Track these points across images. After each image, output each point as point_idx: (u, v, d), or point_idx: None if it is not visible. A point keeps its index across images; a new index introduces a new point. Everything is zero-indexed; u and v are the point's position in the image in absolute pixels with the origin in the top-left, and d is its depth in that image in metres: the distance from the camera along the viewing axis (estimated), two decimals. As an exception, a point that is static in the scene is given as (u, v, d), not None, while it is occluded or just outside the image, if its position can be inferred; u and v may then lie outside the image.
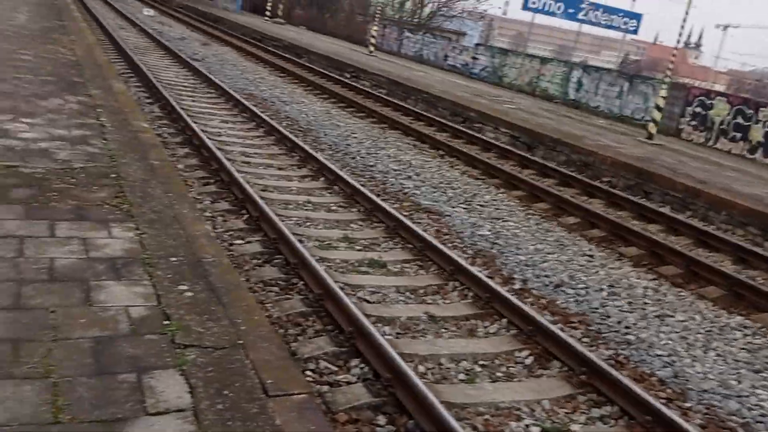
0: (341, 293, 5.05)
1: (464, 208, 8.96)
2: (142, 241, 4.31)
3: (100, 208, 4.71)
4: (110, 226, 4.44)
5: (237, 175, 7.72)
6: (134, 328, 3.27)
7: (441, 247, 6.71)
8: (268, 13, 43.84)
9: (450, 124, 15.16)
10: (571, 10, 29.63)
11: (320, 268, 5.46)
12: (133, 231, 4.44)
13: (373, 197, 8.00)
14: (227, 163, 8.14)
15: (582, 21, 30.59)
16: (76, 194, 4.86)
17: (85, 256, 3.93)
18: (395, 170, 10.27)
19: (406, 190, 9.25)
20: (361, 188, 8.29)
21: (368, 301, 5.55)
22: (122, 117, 7.62)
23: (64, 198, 4.73)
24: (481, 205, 9.23)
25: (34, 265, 3.66)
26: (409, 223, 7.27)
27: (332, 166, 9.12)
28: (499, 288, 5.84)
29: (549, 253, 7.57)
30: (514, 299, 5.61)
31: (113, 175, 5.46)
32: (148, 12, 34.41)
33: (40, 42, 12.00)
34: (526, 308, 5.47)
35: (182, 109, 11.09)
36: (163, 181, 5.67)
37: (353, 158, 10.62)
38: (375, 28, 31.58)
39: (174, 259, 4.16)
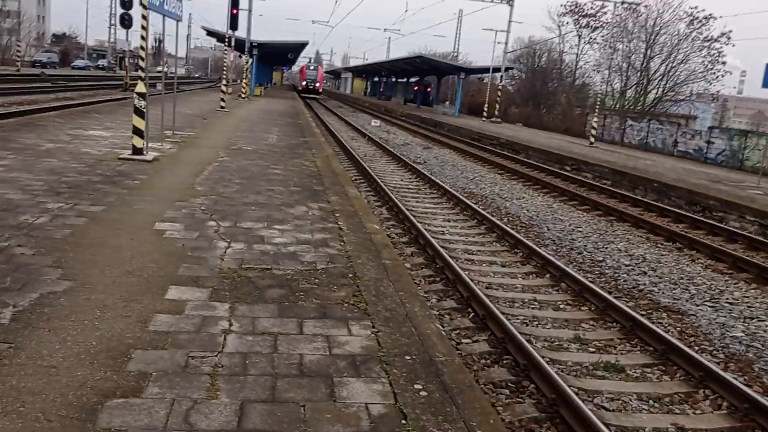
0: (577, 399, 4.74)
1: (711, 306, 8.08)
2: (378, 338, 4.48)
3: (341, 306, 5.02)
4: (350, 323, 4.69)
5: (462, 273, 7.81)
6: (374, 425, 3.34)
7: (687, 350, 6.07)
8: (484, 113, 45.38)
9: (687, 214, 14.06)
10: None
11: (552, 371, 5.20)
12: (370, 329, 4.63)
13: (605, 294, 7.56)
14: (452, 261, 8.29)
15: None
16: (319, 293, 5.25)
17: (329, 352, 4.16)
18: (627, 265, 9.67)
19: (641, 287, 8.62)
20: (591, 285, 7.90)
21: (607, 409, 5.13)
22: (357, 220, 8.20)
23: (309, 297, 5.13)
24: (730, 303, 8.26)
25: (286, 361, 3.96)
26: (647, 323, 6.71)
27: (558, 262, 8.85)
28: (760, 398, 5.08)
29: (824, 361, 6.45)
30: (784, 415, 4.82)
31: (350, 275, 5.83)
32: (375, 123, 37.52)
33: (288, 157, 13.59)
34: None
35: (408, 210, 11.68)
36: (394, 279, 5.91)
37: (579, 253, 10.22)
38: (595, 119, 31.02)
39: (408, 357, 4.24)
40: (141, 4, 10.77)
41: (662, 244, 11.47)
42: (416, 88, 69.31)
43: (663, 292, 8.48)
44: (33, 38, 79.49)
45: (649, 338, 6.45)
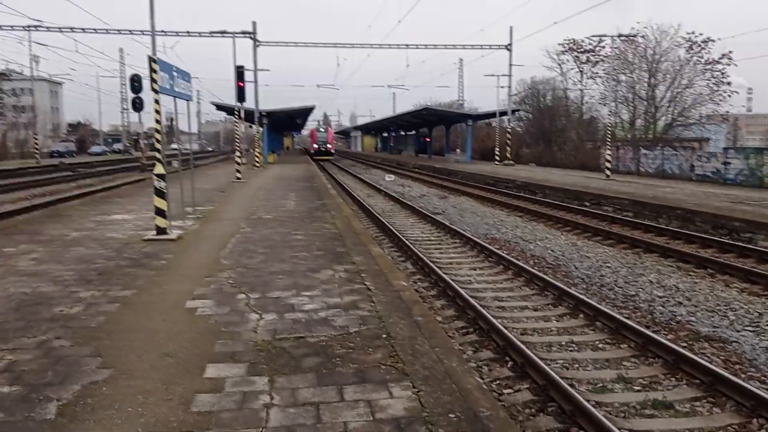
0: (630, 442, 4.61)
1: (752, 331, 7.91)
2: (420, 399, 4.43)
3: (378, 369, 4.98)
4: (389, 386, 4.65)
5: (495, 321, 7.74)
6: (427, 492, 3.28)
7: (734, 379, 5.91)
8: (497, 157, 45.64)
9: (714, 238, 13.89)
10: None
11: (600, 415, 5.09)
12: (410, 389, 4.59)
13: (643, 330, 7.43)
14: (483, 311, 8.23)
15: None
16: (355, 357, 5.23)
17: (372, 418, 4.12)
18: (661, 297, 9.52)
19: (678, 318, 8.47)
20: (627, 321, 7.78)
21: (661, 449, 4.98)
22: (383, 278, 8.20)
23: (346, 362, 5.11)
24: (772, 326, 8.07)
25: (331, 430, 3.92)
26: (690, 355, 6.57)
27: (590, 301, 8.75)
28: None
29: None
30: None
31: (384, 336, 5.80)
32: (389, 177, 37.88)
33: (308, 221, 13.71)
34: None
35: (432, 262, 11.66)
36: (428, 335, 5.87)
37: (611, 289, 10.10)
38: (608, 151, 31.04)
39: (452, 415, 4.18)
40: (153, 89, 11.13)
41: (694, 272, 11.30)
42: (427, 139, 70.22)
43: (701, 321, 8.32)
44: (49, 129, 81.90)
45: (694, 370, 6.30)
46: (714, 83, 43.07)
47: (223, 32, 36.90)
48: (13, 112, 67.22)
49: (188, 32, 38.25)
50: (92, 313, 6.39)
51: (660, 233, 15.22)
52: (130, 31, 38.24)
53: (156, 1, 11.56)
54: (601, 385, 6.29)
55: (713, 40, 42.59)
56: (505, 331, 7.36)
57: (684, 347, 6.99)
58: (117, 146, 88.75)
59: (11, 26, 38.34)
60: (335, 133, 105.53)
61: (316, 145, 70.73)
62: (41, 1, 57.06)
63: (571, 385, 5.91)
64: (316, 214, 15.11)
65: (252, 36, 39.03)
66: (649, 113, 46.05)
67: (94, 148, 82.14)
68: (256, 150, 40.56)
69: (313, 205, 17.23)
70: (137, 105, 24.24)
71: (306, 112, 59.74)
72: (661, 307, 8.98)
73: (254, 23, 39.16)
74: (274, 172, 34.97)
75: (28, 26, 38.45)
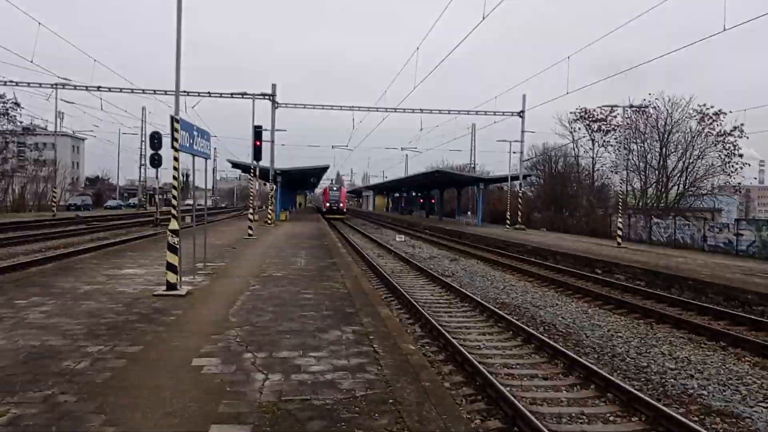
0: None
1: (765, 407, 7.75)
2: (425, 468, 4.35)
3: (384, 435, 4.91)
4: (394, 453, 4.58)
5: (503, 389, 7.63)
6: None
7: (750, 458, 5.75)
8: (507, 221, 45.73)
9: (726, 310, 13.72)
10: None
11: (610, 491, 4.95)
12: (416, 458, 4.51)
13: (654, 402, 7.29)
14: (492, 378, 8.12)
15: None
16: (361, 422, 5.16)
17: (376, 487, 4.05)
18: (673, 369, 9.37)
19: (690, 391, 8.31)
20: (639, 393, 7.64)
21: None
22: (391, 341, 8.14)
23: (351, 427, 5.04)
24: (786, 402, 7.89)
25: (333, 499, 3.86)
26: (702, 430, 6.42)
27: (601, 371, 8.61)
28: None
29: None
30: None
31: (391, 401, 5.74)
32: (399, 238, 37.93)
33: (318, 280, 13.71)
34: None
35: (441, 326, 11.58)
36: (435, 402, 5.80)
37: (622, 360, 9.95)
38: (619, 219, 31.04)
39: (458, 487, 4.10)
40: (173, 147, 11.39)
41: (705, 344, 11.14)
42: (432, 200, 70.75)
43: (713, 395, 8.16)
44: (68, 183, 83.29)
45: (708, 447, 6.14)
46: (726, 155, 43.44)
47: (243, 94, 37.82)
48: (34, 166, 68.57)
49: (209, 93, 39.21)
50: (99, 369, 6.38)
51: (672, 304, 15.07)
52: (154, 91, 39.30)
53: (181, 63, 11.91)
54: (611, 459, 6.14)
55: (725, 113, 43.21)
56: (514, 399, 7.24)
57: (695, 422, 6.84)
58: (132, 201, 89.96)
59: (39, 84, 39.58)
60: (347, 192, 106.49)
61: (328, 204, 71.48)
62: (70, 60, 59.05)
63: (581, 459, 5.77)
64: (326, 272, 15.13)
65: (271, 98, 39.98)
66: (660, 182, 46.29)
67: (110, 202, 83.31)
68: (269, 207, 40.93)
69: (324, 263, 17.26)
70: (155, 161, 24.75)
71: (320, 171, 60.49)
72: (672, 380, 8.83)
73: (274, 86, 40.19)
74: (286, 229, 35.17)
75: (56, 84, 39.65)
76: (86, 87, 38.37)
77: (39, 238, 29.23)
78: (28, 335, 7.73)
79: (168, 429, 4.83)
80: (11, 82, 39.06)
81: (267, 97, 39.70)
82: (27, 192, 65.39)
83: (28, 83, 39.21)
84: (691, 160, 44.78)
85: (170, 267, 11.31)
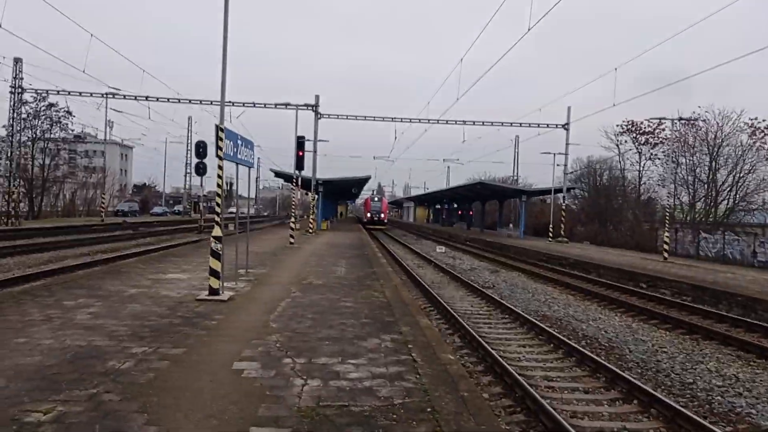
0: None
1: (820, 430, 7.42)
2: (462, 478, 4.30)
3: (421, 443, 4.88)
4: (432, 462, 4.54)
5: (543, 402, 7.51)
6: None
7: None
8: (550, 234, 45.15)
9: (777, 328, 13.24)
10: None
11: None
12: (453, 467, 4.47)
13: (700, 420, 7.08)
14: (532, 390, 8.01)
15: None
16: (398, 430, 5.14)
17: (413, 494, 4.02)
18: (720, 386, 9.08)
19: (738, 410, 8.04)
20: (683, 410, 7.43)
21: None
22: (430, 351, 8.10)
23: (389, 435, 5.03)
24: (844, 425, 7.56)
25: (369, 505, 3.84)
26: (752, 451, 6.20)
27: (645, 387, 8.40)
28: None
29: None
30: None
31: (429, 410, 5.70)
32: (440, 249, 37.79)
33: (357, 289, 13.75)
34: None
35: (481, 337, 11.48)
36: (474, 412, 5.74)
37: (667, 376, 9.69)
38: (666, 233, 30.32)
39: (496, 498, 4.04)
40: (217, 155, 11.60)
41: (755, 362, 10.77)
42: (471, 212, 70.31)
43: (763, 414, 7.88)
44: (116, 190, 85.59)
45: (757, 468, 5.93)
46: (778, 169, 42.07)
47: (287, 104, 38.33)
48: (84, 173, 70.69)
49: (254, 104, 39.89)
50: (143, 369, 6.50)
51: (720, 320, 14.63)
52: (200, 101, 40.19)
53: (227, 73, 12.17)
54: (655, 477, 5.97)
55: (776, 126, 41.92)
56: (554, 412, 7.12)
57: (745, 442, 6.61)
58: (177, 208, 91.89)
59: (91, 93, 40.86)
60: (388, 203, 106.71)
61: (369, 214, 71.08)
62: (120, 71, 60.81)
63: (623, 475, 5.63)
64: (366, 281, 15.15)
65: (314, 108, 40.44)
66: (709, 197, 45.10)
67: (156, 209, 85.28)
68: (311, 216, 41.30)
69: (363, 272, 17.30)
70: (200, 169, 25.22)
71: (362, 182, 60.82)
72: (719, 397, 8.56)
73: (317, 97, 40.68)
74: (327, 238, 35.39)
75: (106, 93, 40.89)
76: (135, 97, 39.50)
77: (87, 243, 30.08)
78: (75, 335, 7.94)
79: (208, 430, 4.89)
80: (64, 91, 40.45)
81: (310, 107, 40.19)
82: (77, 198, 67.41)
83: (80, 93, 40.56)
84: (741, 174, 43.55)
85: (213, 272, 11.49)
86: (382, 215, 71.03)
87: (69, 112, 54.96)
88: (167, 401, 5.53)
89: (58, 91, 40.48)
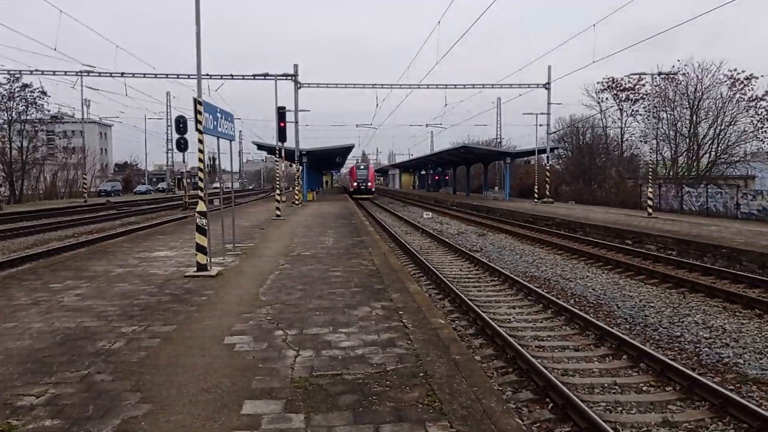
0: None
1: (805, 375, 7.57)
2: (457, 439, 4.35)
3: (415, 407, 4.92)
4: (427, 425, 4.58)
5: (534, 361, 7.60)
6: None
7: (788, 425, 5.65)
8: (535, 195, 45.33)
9: (762, 278, 13.44)
10: None
11: (645, 460, 4.91)
12: (448, 429, 4.51)
13: (689, 372, 7.20)
14: (523, 350, 8.09)
15: None
16: (392, 396, 5.18)
17: (409, 458, 4.06)
18: (707, 338, 9.24)
19: (725, 360, 8.19)
20: (672, 363, 7.55)
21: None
22: (421, 316, 8.15)
23: (383, 401, 5.06)
24: (827, 369, 7.73)
25: (366, 470, 3.88)
26: (738, 398, 6.33)
27: (634, 342, 8.53)
28: None
29: None
30: None
31: (421, 374, 5.75)
32: (427, 215, 37.86)
33: (345, 258, 13.77)
34: None
35: (470, 300, 11.55)
36: (466, 375, 5.79)
37: (655, 330, 9.84)
38: (650, 189, 30.52)
39: (491, 457, 4.09)
40: (197, 129, 11.44)
41: (740, 312, 10.95)
42: (447, 177, 70.13)
43: (749, 363, 8.02)
44: (97, 170, 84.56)
45: (743, 415, 6.06)
46: (758, 120, 42.30)
47: (265, 75, 37.77)
48: (63, 153, 69.70)
49: (232, 75, 39.28)
50: (134, 348, 6.49)
51: (705, 273, 14.82)
52: (177, 75, 39.49)
53: (201, 45, 11.93)
54: (645, 429, 6.09)
55: (756, 77, 42.02)
56: (546, 371, 7.21)
57: (731, 390, 6.74)
58: (161, 185, 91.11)
59: (65, 71, 40.02)
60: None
61: (355, 183, 68.96)
62: (93, 48, 59.71)
63: (615, 429, 5.74)
64: (354, 250, 15.16)
65: (294, 78, 39.92)
66: (691, 151, 45.36)
67: (139, 188, 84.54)
68: (296, 188, 41.12)
69: (351, 241, 17.30)
70: (182, 145, 24.92)
71: (345, 151, 60.42)
72: (707, 349, 8.70)
73: (296, 66, 40.09)
74: (313, 209, 35.31)
75: (80, 71, 40.04)
76: (110, 73, 38.69)
77: (71, 224, 29.80)
78: (63, 317, 7.90)
79: (202, 405, 4.90)
80: (37, 71, 39.54)
81: (289, 77, 39.65)
82: (58, 179, 66.56)
83: (54, 71, 39.67)
84: (722, 127, 43.77)
85: (200, 248, 11.43)
86: (369, 184, 68.97)
87: (44, 93, 53.94)
88: (160, 378, 5.53)
89: (32, 71, 39.59)
